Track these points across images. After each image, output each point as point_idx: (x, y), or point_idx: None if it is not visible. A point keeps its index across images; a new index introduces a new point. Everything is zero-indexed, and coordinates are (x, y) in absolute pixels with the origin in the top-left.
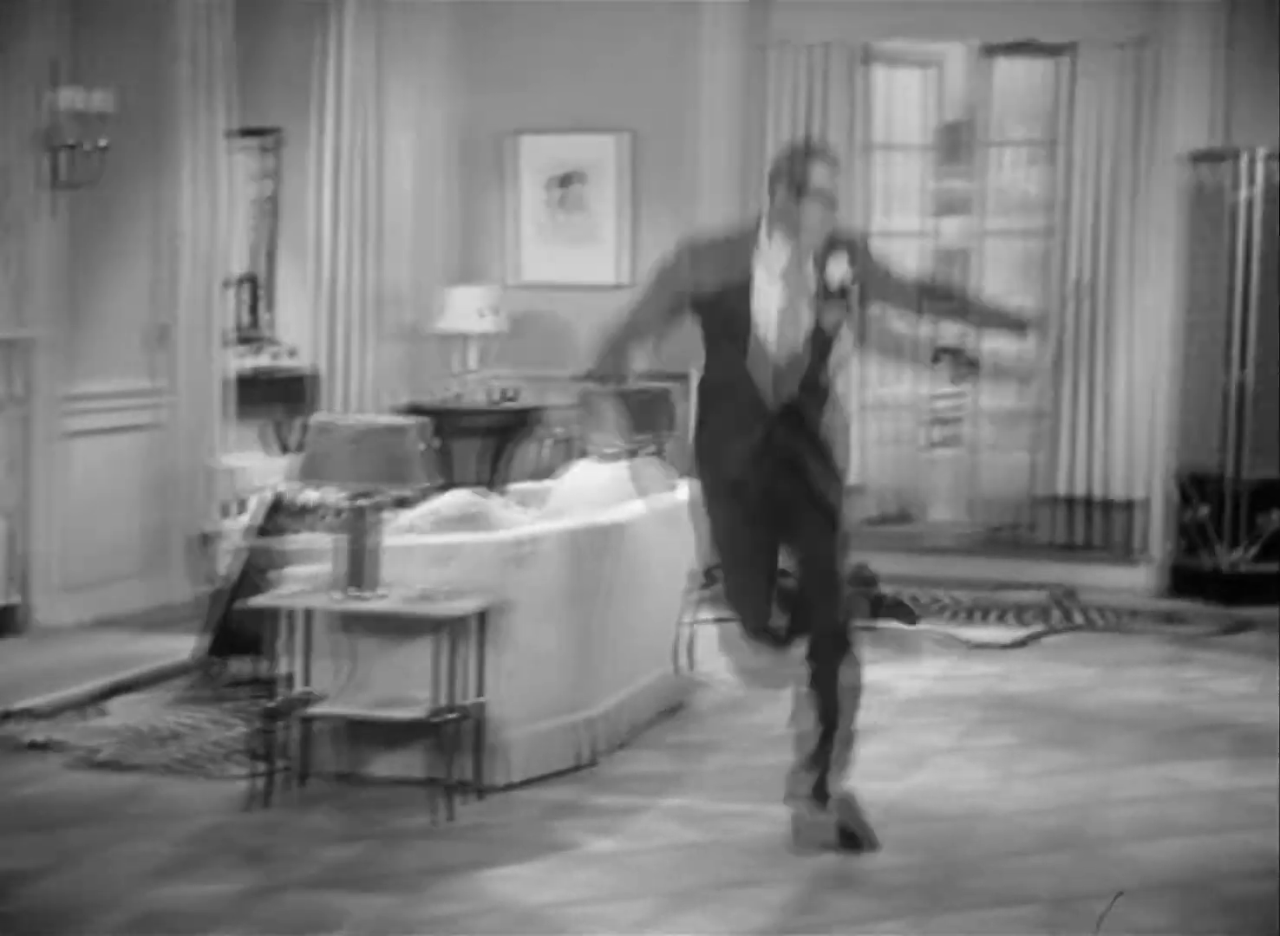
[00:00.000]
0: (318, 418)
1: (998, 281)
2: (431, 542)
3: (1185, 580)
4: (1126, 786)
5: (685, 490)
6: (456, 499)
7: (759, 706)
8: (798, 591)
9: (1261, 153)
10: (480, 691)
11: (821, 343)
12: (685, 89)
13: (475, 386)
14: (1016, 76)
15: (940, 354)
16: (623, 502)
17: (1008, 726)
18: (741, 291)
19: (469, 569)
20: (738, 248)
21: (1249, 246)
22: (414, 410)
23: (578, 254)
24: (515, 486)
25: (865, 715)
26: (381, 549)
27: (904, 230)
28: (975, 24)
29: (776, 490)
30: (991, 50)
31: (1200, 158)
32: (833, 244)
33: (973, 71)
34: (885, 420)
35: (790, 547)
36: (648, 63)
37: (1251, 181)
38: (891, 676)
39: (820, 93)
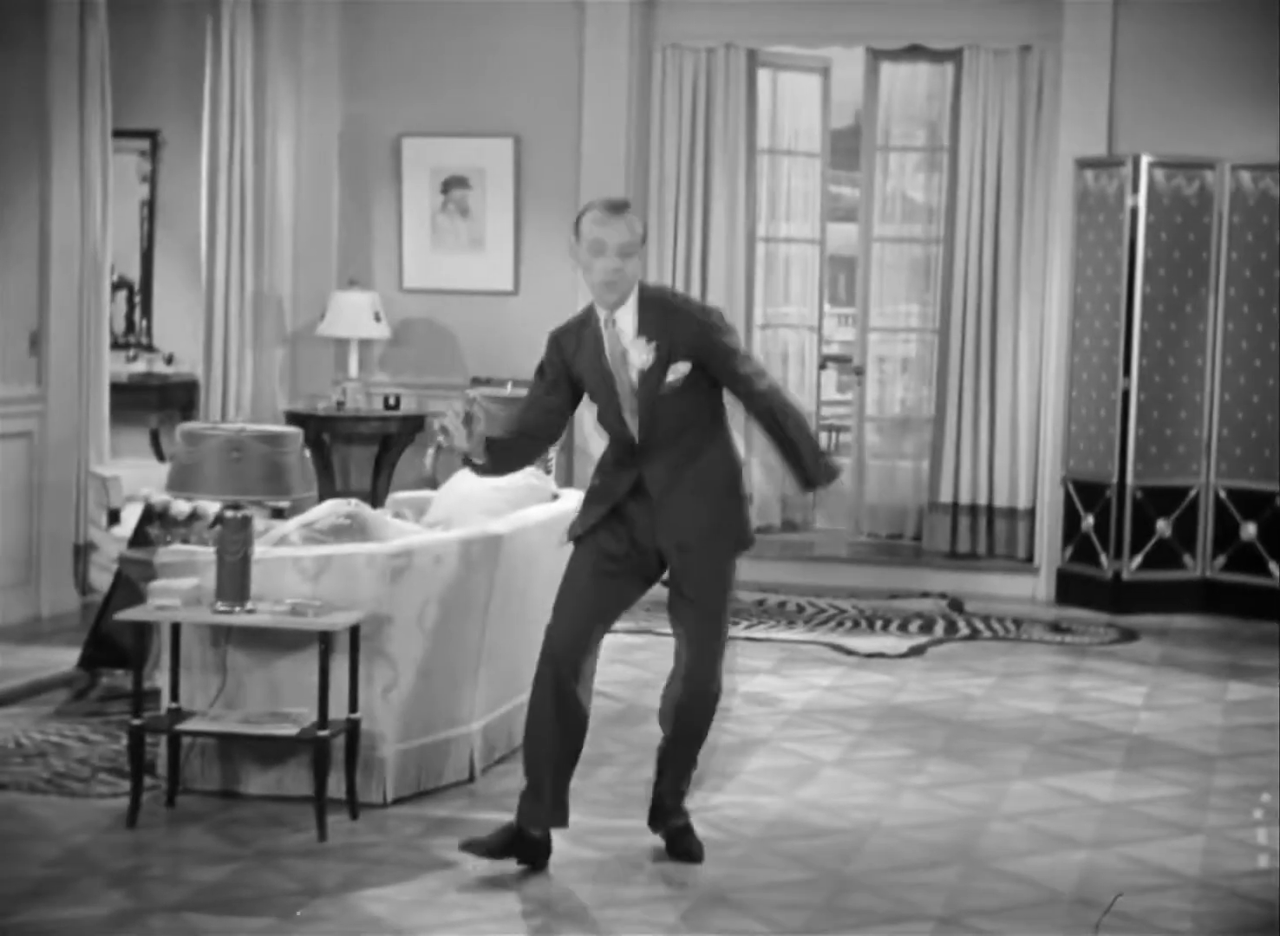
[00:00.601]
0: (186, 426)
1: (886, 288)
2: (305, 554)
3: (1074, 588)
4: (1016, 799)
5: (575, 500)
6: (332, 509)
7: (647, 717)
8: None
9: (1148, 160)
10: (354, 707)
11: (669, 403)
12: (571, 92)
13: (359, 393)
14: (905, 82)
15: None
16: (505, 511)
17: (898, 737)
18: (593, 358)
19: (344, 581)
20: (586, 320)
21: (1134, 253)
22: (297, 417)
23: (463, 260)
24: (397, 495)
25: (753, 727)
26: (253, 561)
27: (794, 237)
28: (864, 29)
29: (646, 543)
30: (880, 56)
31: (1087, 165)
32: (654, 310)
33: (862, 77)
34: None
35: (674, 593)
36: (534, 66)
37: (1137, 189)
38: (781, 687)
39: (709, 97)
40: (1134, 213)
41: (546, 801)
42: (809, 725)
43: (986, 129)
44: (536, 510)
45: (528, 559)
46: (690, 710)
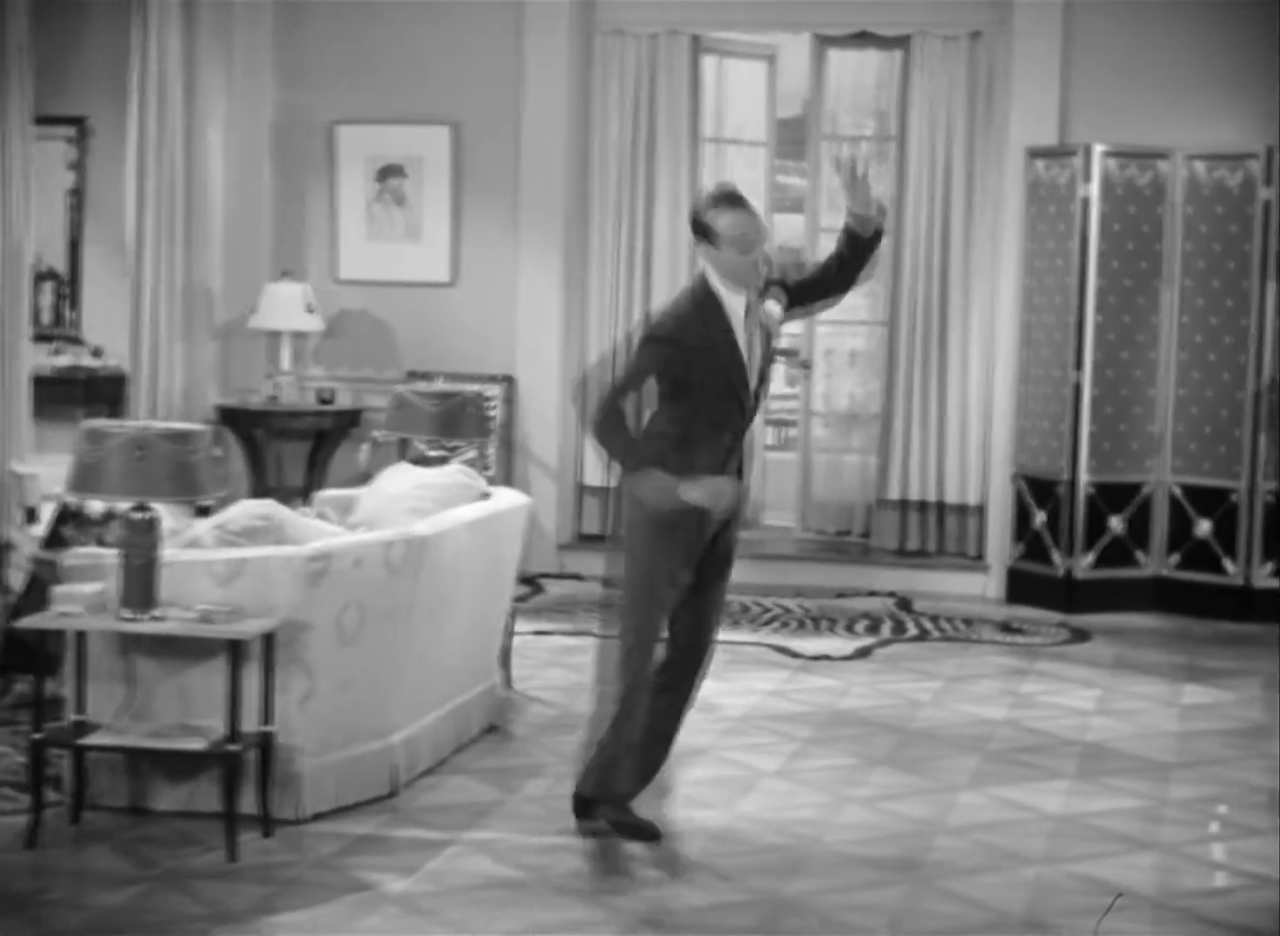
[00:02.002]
0: (88, 424)
1: None
2: (217, 558)
3: (1025, 586)
4: (963, 812)
5: (508, 498)
6: (246, 510)
7: (582, 725)
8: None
9: (1100, 149)
10: (268, 719)
11: (765, 380)
12: (511, 79)
13: (292, 387)
14: (853, 70)
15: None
16: (433, 511)
17: (842, 746)
18: (721, 346)
19: (258, 586)
20: (696, 313)
21: (1087, 245)
22: (228, 412)
23: (399, 250)
24: (321, 494)
25: (693, 736)
26: (162, 565)
27: None
28: (810, 15)
29: (723, 535)
30: (827, 42)
31: (1039, 154)
32: (767, 285)
33: (808, 64)
34: None
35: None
36: (472, 51)
37: (1089, 179)
38: (723, 692)
39: (652, 84)
40: (1086, 203)
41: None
42: (750, 733)
43: (936, 118)
44: (465, 510)
45: (455, 561)
46: (700, 673)
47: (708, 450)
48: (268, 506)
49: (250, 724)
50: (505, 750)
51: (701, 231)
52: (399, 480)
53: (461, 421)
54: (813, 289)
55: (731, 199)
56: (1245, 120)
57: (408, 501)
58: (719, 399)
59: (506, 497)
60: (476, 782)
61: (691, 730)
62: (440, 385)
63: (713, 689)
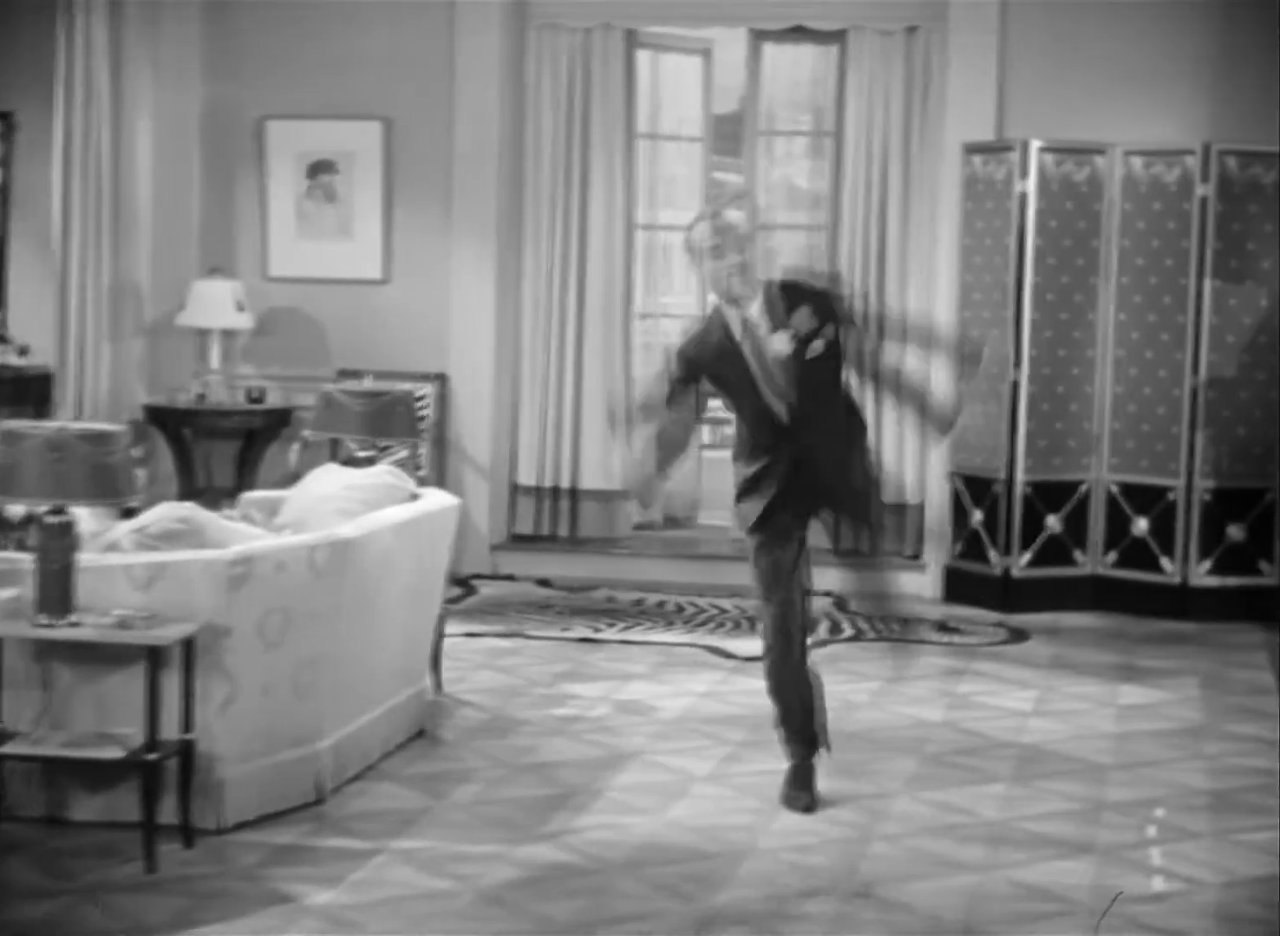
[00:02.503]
0: (3, 425)
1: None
2: (136, 562)
3: (963, 585)
4: (900, 819)
5: (437, 499)
6: (166, 513)
7: (513, 729)
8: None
9: (1037, 145)
10: (188, 726)
11: (815, 375)
12: (443, 73)
13: (221, 386)
14: (789, 65)
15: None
16: (360, 512)
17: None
18: (733, 357)
19: (178, 591)
20: (712, 326)
21: (1024, 241)
22: (156, 411)
23: (330, 247)
24: (247, 495)
25: (624, 739)
26: (79, 569)
27: (675, 224)
28: (746, 10)
29: (803, 505)
30: (762, 37)
31: (975, 150)
32: (795, 294)
33: (744, 59)
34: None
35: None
36: (404, 44)
37: (1026, 174)
38: (656, 694)
39: (586, 79)
40: (1023, 199)
41: None
42: (683, 736)
43: (872, 113)
44: (392, 512)
45: (381, 563)
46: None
47: (770, 458)
48: (188, 509)
49: (170, 731)
50: (435, 755)
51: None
52: (326, 481)
53: (391, 421)
54: (878, 370)
55: (702, 212)
56: (1182, 117)
57: (335, 502)
58: (752, 410)
59: (435, 499)
60: (405, 789)
61: (623, 733)
62: (369, 384)
63: (647, 691)
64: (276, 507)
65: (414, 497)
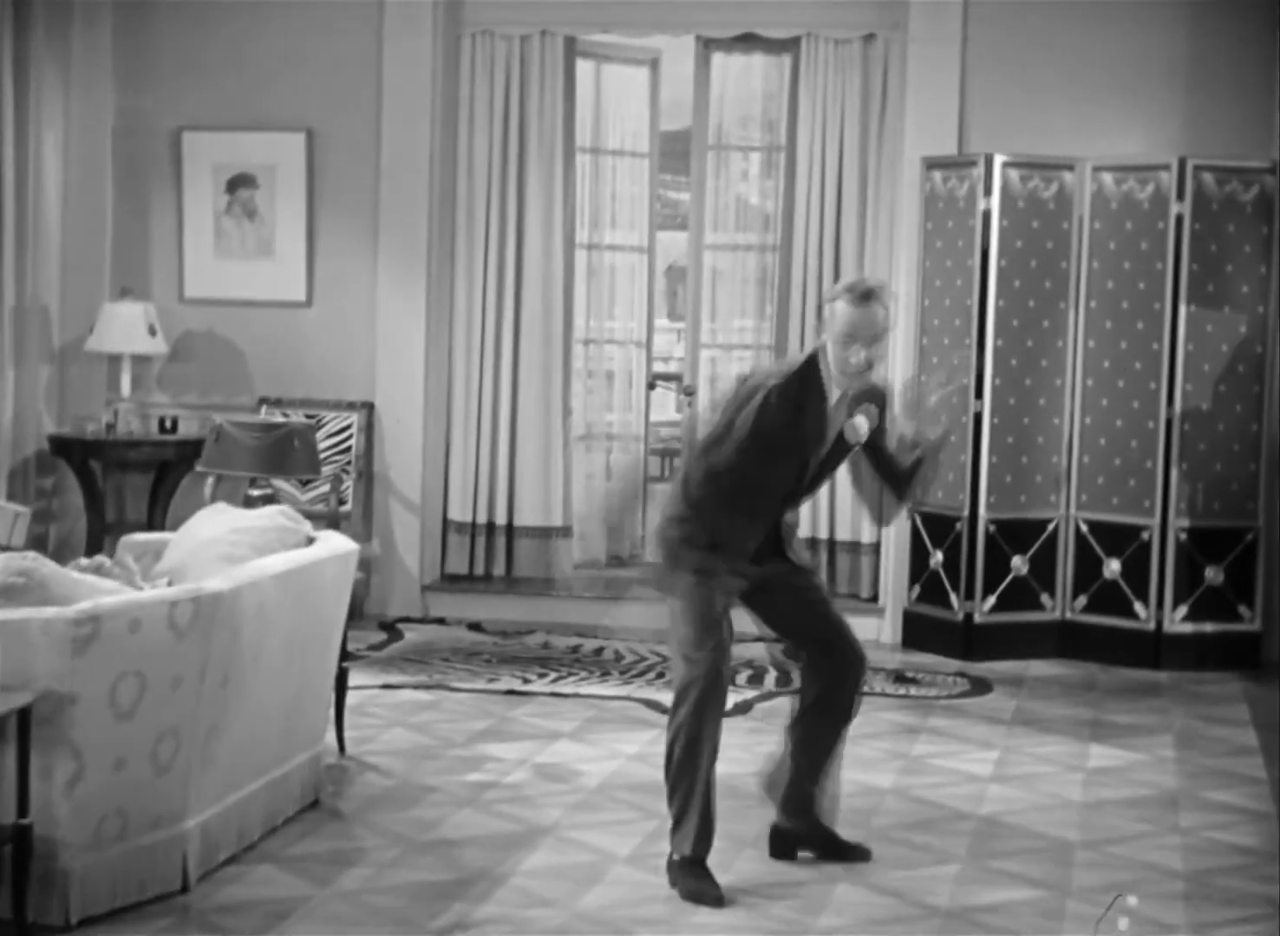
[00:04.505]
0: None
1: (721, 301)
2: None
3: (922, 631)
4: (838, 911)
5: (332, 544)
6: (4, 565)
7: (419, 798)
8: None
9: (1001, 160)
10: (24, 810)
11: (838, 459)
12: (370, 82)
13: (133, 415)
14: (739, 75)
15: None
16: (248, 558)
17: None
18: (817, 422)
19: (15, 653)
20: (809, 385)
21: (987, 262)
22: (62, 442)
23: (250, 267)
24: (130, 537)
25: (539, 811)
26: None
27: (619, 244)
28: (693, 16)
29: (771, 573)
30: (711, 45)
31: (936, 165)
32: (870, 396)
33: (691, 70)
34: (597, 452)
35: (787, 609)
36: (328, 51)
37: (990, 191)
38: (581, 756)
39: (523, 89)
40: (986, 217)
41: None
42: (605, 807)
43: (827, 126)
44: (273, 560)
45: (258, 619)
46: (856, 687)
47: (763, 519)
48: (29, 561)
49: (5, 815)
50: (326, 831)
51: (823, 315)
52: (213, 522)
53: (288, 456)
54: (880, 460)
55: (855, 292)
56: (1156, 130)
57: (220, 547)
58: (784, 472)
59: (330, 543)
60: (285, 874)
61: (539, 804)
62: (263, 416)
63: (571, 753)
64: (161, 552)
65: (311, 541)
